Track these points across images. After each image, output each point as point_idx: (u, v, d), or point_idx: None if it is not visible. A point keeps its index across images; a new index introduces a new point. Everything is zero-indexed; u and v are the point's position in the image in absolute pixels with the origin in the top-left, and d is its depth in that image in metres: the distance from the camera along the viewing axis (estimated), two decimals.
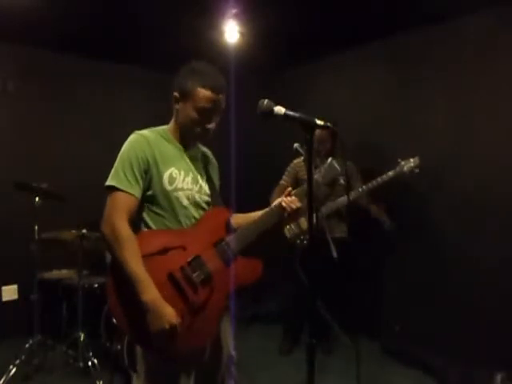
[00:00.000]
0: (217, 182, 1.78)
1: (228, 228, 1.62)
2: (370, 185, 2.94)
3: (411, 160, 2.90)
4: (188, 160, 1.61)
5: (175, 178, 1.53)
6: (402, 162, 2.90)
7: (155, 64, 3.93)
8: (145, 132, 1.55)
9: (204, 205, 1.63)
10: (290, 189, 1.67)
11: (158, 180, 1.50)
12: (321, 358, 3.00)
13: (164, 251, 1.47)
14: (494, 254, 2.73)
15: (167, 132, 1.60)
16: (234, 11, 2.90)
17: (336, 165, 1.66)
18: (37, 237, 2.84)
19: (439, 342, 2.88)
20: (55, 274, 3.33)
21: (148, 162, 1.49)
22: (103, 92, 3.91)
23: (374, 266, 3.41)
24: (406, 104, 3.27)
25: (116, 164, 1.50)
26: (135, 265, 1.39)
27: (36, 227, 2.83)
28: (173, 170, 1.53)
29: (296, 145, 2.90)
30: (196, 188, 1.59)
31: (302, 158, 3.07)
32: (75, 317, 2.85)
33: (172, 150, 1.57)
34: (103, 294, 3.06)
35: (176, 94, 1.54)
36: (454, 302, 2.90)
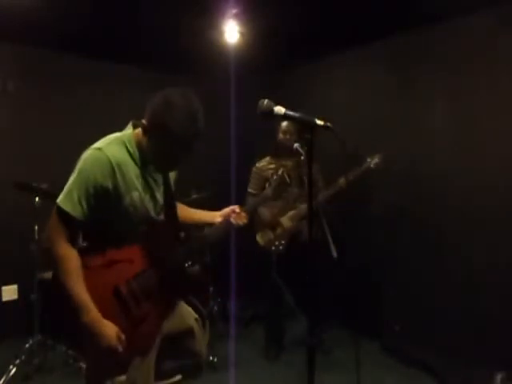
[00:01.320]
0: (173, 179, 1.76)
1: (177, 239, 1.64)
2: (340, 183, 2.98)
3: (376, 155, 3.05)
4: (146, 175, 1.57)
5: (135, 201, 1.52)
6: (368, 159, 3.03)
7: (155, 64, 3.93)
8: (108, 149, 1.47)
9: (156, 217, 1.63)
10: (236, 207, 1.75)
11: (118, 204, 1.48)
12: (321, 357, 3.00)
13: (111, 264, 1.48)
14: (495, 254, 2.73)
15: (132, 142, 1.54)
16: (234, 11, 2.90)
17: (278, 178, 1.71)
18: (37, 237, 2.84)
19: (439, 342, 2.88)
20: None
21: (108, 188, 1.45)
22: (103, 92, 3.90)
23: (374, 266, 3.41)
24: (406, 104, 3.27)
25: (71, 182, 1.45)
26: (73, 286, 1.40)
27: (36, 227, 2.83)
28: (133, 194, 1.51)
29: (296, 145, 2.90)
30: (152, 205, 1.59)
31: (302, 157, 3.07)
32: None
33: (133, 168, 1.52)
34: None
35: (146, 123, 1.48)
36: (453, 302, 2.90)
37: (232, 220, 1.68)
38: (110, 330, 1.41)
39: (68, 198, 1.43)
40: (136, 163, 1.54)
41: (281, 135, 3.07)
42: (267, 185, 3.05)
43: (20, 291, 3.49)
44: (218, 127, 3.83)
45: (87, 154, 1.48)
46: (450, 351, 2.77)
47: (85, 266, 1.45)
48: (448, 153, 3.00)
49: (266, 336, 3.29)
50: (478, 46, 2.85)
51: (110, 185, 1.45)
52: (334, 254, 2.86)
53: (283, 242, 3.03)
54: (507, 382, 2.41)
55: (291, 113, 1.36)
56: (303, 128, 1.35)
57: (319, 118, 1.35)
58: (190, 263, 1.62)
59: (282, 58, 3.89)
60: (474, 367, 2.57)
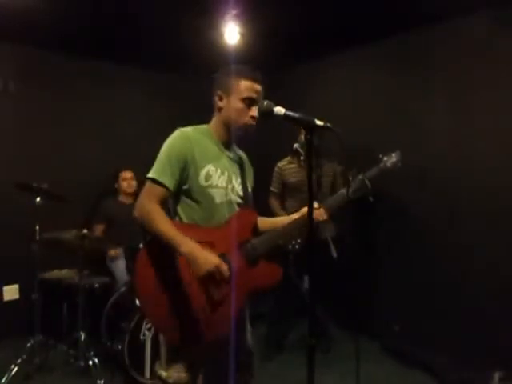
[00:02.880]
0: (250, 185, 1.83)
1: (254, 230, 1.69)
2: (354, 187, 2.93)
3: (393, 154, 2.90)
4: (226, 159, 1.67)
5: (211, 176, 1.59)
6: (385, 158, 2.90)
7: (155, 64, 3.93)
8: (187, 129, 1.62)
9: (235, 205, 1.68)
10: (317, 203, 1.72)
11: (195, 176, 1.57)
12: (321, 357, 3.01)
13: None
14: (495, 254, 2.74)
15: (209, 130, 1.67)
16: (234, 12, 2.90)
17: (367, 182, 1.70)
18: (38, 237, 2.84)
19: (439, 342, 2.88)
20: (56, 273, 3.34)
21: (187, 158, 1.56)
22: (103, 92, 3.91)
23: (374, 266, 3.42)
24: (406, 104, 3.27)
25: (158, 158, 1.58)
26: (167, 227, 1.48)
27: (37, 227, 2.84)
28: (210, 168, 1.59)
29: (296, 145, 2.91)
30: (230, 187, 1.65)
31: (302, 157, 3.07)
32: (76, 316, 2.86)
33: (212, 147, 1.64)
34: (104, 293, 3.07)
35: (219, 92, 1.63)
36: (453, 302, 2.91)
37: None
38: (211, 254, 1.47)
39: (155, 170, 1.55)
40: (216, 144, 1.66)
41: (302, 137, 3.07)
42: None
43: (21, 291, 3.50)
44: None
45: (169, 138, 1.61)
46: (449, 351, 2.78)
47: None
48: (448, 152, 3.00)
49: (266, 336, 3.30)
50: (477, 46, 2.85)
51: (188, 155, 1.56)
52: (334, 254, 2.87)
53: (299, 240, 3.05)
54: (506, 381, 2.41)
55: (291, 113, 1.37)
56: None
57: (319, 119, 1.35)
58: (263, 255, 1.64)
59: (281, 58, 3.89)
60: (474, 367, 2.57)
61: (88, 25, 3.12)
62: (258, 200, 2.95)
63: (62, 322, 3.09)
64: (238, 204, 1.69)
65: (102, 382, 2.63)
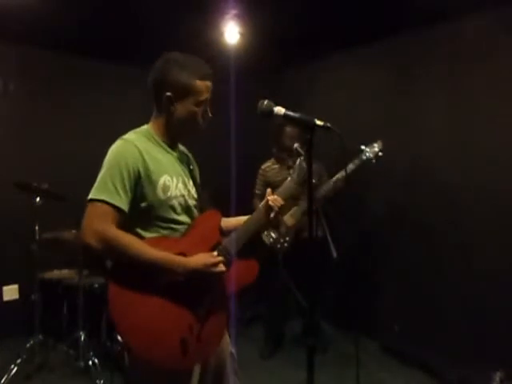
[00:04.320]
0: (198, 181, 1.72)
1: (221, 231, 1.60)
2: (339, 176, 2.93)
3: (374, 144, 2.92)
4: (176, 163, 1.55)
5: (169, 186, 1.46)
6: (366, 148, 2.91)
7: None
8: (132, 137, 1.45)
9: (193, 209, 1.58)
10: (269, 190, 1.65)
11: (152, 190, 1.42)
12: (320, 357, 3.01)
13: None
14: (494, 254, 2.73)
15: (151, 133, 1.51)
16: (234, 12, 2.91)
17: (305, 164, 1.66)
18: (37, 237, 2.84)
19: (439, 342, 2.88)
20: (56, 274, 3.34)
21: (139, 173, 1.39)
22: (103, 92, 3.91)
23: (374, 266, 3.42)
24: (405, 104, 3.27)
25: (103, 174, 1.38)
26: (143, 252, 1.33)
27: (37, 227, 2.84)
28: (165, 178, 1.45)
29: (296, 145, 2.89)
30: (186, 193, 1.54)
31: (303, 156, 3.07)
32: (76, 316, 2.86)
33: (161, 154, 1.49)
34: (104, 293, 3.07)
35: (169, 94, 1.44)
36: (453, 302, 2.90)
37: (270, 203, 1.59)
38: (202, 259, 1.41)
39: (103, 189, 1.35)
40: (162, 147, 1.51)
41: (287, 141, 3.06)
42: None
43: (21, 291, 3.50)
44: (217, 127, 3.82)
45: (113, 147, 1.44)
46: (449, 351, 2.78)
47: None
48: (448, 152, 2.99)
49: (264, 336, 3.30)
50: (477, 46, 2.84)
51: (141, 168, 1.39)
52: (334, 253, 2.86)
53: (287, 239, 3.04)
54: (506, 381, 2.41)
55: (291, 113, 1.37)
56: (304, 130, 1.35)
57: (319, 119, 1.35)
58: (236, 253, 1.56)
59: (281, 58, 3.89)
60: (474, 367, 2.57)
61: (88, 25, 3.12)
62: (245, 201, 2.96)
63: (62, 322, 3.08)
64: (195, 206, 1.59)
65: (102, 382, 2.63)
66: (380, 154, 2.91)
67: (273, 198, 1.60)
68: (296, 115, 1.35)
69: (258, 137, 3.73)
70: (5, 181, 3.17)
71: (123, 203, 1.36)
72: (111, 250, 1.33)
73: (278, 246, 3.04)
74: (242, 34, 3.18)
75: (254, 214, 1.62)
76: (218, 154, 4.09)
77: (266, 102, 1.38)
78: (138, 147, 1.42)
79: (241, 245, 1.56)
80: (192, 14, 2.91)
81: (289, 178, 1.68)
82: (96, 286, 3.06)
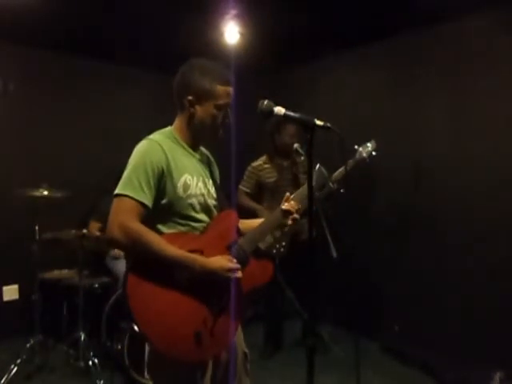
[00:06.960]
0: (218, 182, 1.78)
1: (238, 230, 1.64)
2: (333, 177, 2.92)
3: (368, 144, 2.91)
4: (197, 163, 1.61)
5: (189, 185, 1.52)
6: (360, 148, 2.90)
7: (155, 64, 3.93)
8: (157, 138, 1.52)
9: (212, 208, 1.63)
10: (288, 194, 1.67)
11: (172, 188, 1.48)
12: (320, 357, 3.00)
13: None
14: (494, 254, 2.73)
15: (174, 134, 1.58)
16: (234, 12, 2.91)
17: (323, 170, 1.68)
18: (37, 237, 2.84)
19: (439, 342, 2.88)
20: (56, 274, 3.34)
21: (163, 170, 1.46)
22: (103, 92, 3.91)
23: (374, 266, 3.42)
24: (405, 104, 3.27)
25: (129, 171, 1.45)
26: (164, 249, 1.39)
27: (36, 227, 2.84)
28: (186, 177, 1.52)
29: (296, 145, 2.90)
30: (206, 192, 1.60)
31: (302, 157, 3.07)
32: (76, 317, 2.86)
33: (183, 154, 1.56)
34: (104, 293, 3.07)
35: (190, 97, 1.52)
36: (453, 302, 2.91)
37: (289, 208, 1.60)
38: (220, 262, 1.46)
39: (128, 185, 1.41)
40: (184, 148, 1.58)
41: (287, 138, 3.06)
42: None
43: (21, 291, 3.50)
44: None
45: (138, 146, 1.51)
46: (449, 351, 2.78)
47: None
48: (448, 152, 3.00)
49: (264, 336, 3.30)
50: (477, 46, 2.85)
51: (164, 166, 1.46)
52: (334, 253, 2.86)
53: (284, 243, 3.02)
54: (506, 381, 2.41)
55: (291, 113, 1.37)
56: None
57: (319, 119, 1.35)
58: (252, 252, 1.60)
59: (282, 58, 3.89)
60: (474, 367, 2.57)
61: (88, 25, 3.12)
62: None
63: (62, 322, 3.09)
64: (215, 206, 1.64)
65: (102, 382, 2.63)
66: (374, 153, 2.90)
67: (290, 205, 1.63)
68: (296, 115, 1.35)
69: (258, 137, 3.73)
70: (5, 181, 3.18)
71: (147, 199, 1.42)
72: (135, 244, 1.39)
73: (274, 250, 3.01)
74: (241, 34, 3.18)
75: (271, 216, 1.66)
76: (217, 153, 4.09)
77: (266, 102, 1.38)
78: (162, 146, 1.49)
79: (256, 245, 1.60)
80: (192, 14, 2.91)
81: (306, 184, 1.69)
82: (96, 285, 3.06)
